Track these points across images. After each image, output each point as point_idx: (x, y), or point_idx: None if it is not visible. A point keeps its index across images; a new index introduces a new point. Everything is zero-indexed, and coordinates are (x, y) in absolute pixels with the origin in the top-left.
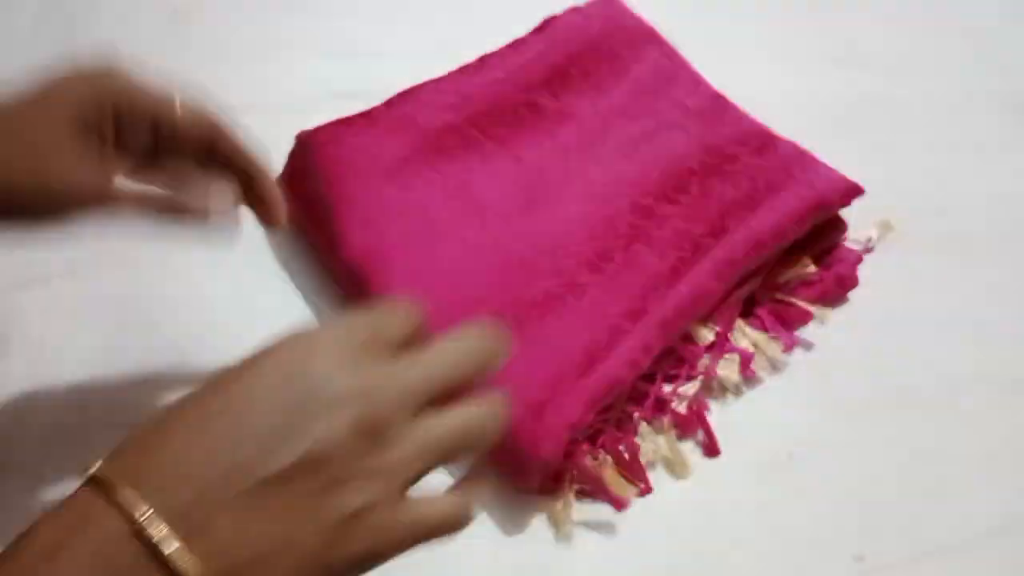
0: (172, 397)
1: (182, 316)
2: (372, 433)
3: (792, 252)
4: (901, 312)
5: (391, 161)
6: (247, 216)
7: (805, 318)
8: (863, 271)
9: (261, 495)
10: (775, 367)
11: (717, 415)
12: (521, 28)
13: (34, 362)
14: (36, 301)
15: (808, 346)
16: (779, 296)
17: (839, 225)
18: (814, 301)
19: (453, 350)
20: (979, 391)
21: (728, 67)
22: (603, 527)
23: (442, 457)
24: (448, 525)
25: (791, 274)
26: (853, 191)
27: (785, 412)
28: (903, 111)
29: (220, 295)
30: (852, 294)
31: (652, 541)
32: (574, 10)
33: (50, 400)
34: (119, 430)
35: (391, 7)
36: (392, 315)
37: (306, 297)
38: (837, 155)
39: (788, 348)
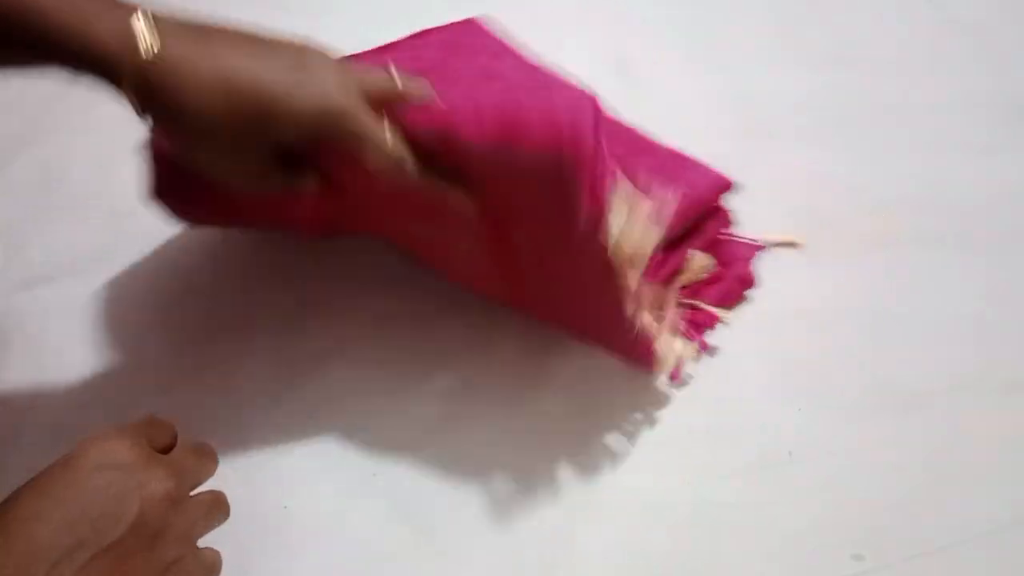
0: (172, 397)
1: (182, 316)
2: (175, 503)
3: (678, 247)
4: (900, 312)
5: None
6: None
7: (712, 321)
8: (863, 271)
9: (103, 562)
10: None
11: (717, 414)
12: (518, 28)
13: (34, 362)
14: (36, 301)
15: (808, 345)
16: (685, 300)
17: (720, 215)
18: (719, 303)
19: (197, 453)
20: (979, 391)
21: (728, 67)
22: (603, 525)
23: (213, 520)
24: (219, 566)
25: (689, 275)
26: (726, 186)
27: (785, 412)
28: (902, 111)
29: (220, 294)
30: (851, 293)
31: (651, 540)
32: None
33: (50, 400)
34: None
35: (391, 7)
36: (160, 425)
37: (305, 296)
38: (836, 154)
39: (702, 351)
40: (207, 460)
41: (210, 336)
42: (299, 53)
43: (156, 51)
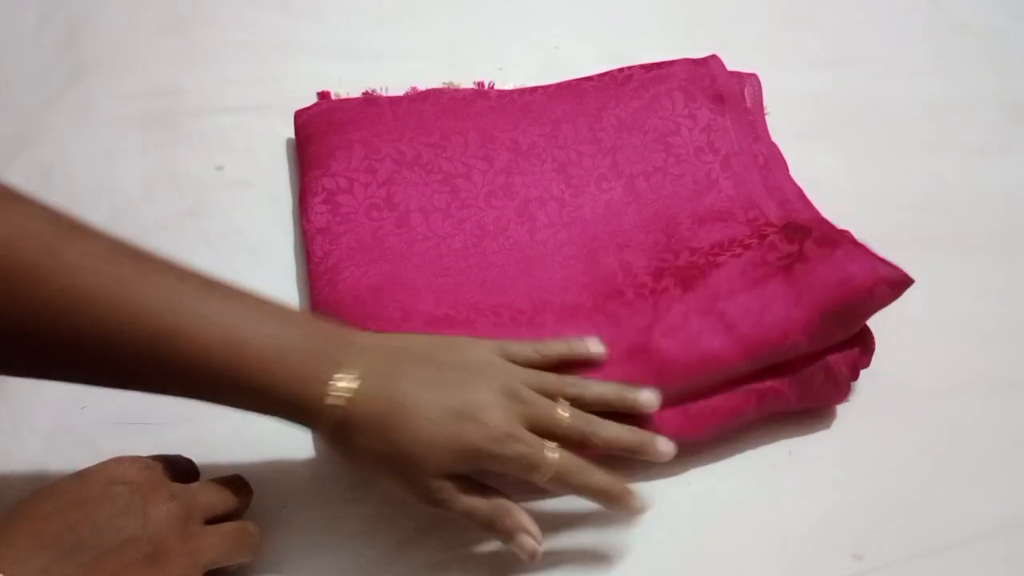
0: (170, 397)
1: None
2: (180, 525)
3: None
4: (901, 312)
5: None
6: (248, 215)
7: None
8: None
9: (98, 564)
10: None
11: None
12: (518, 28)
13: None
14: None
15: None
16: None
17: None
18: None
19: (219, 486)
20: (979, 391)
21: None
22: (603, 526)
23: (231, 552)
24: None
25: None
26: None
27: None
28: (902, 111)
29: None
30: None
31: (652, 540)
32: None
33: (50, 400)
34: (119, 430)
35: (391, 7)
36: (181, 460)
37: (305, 297)
38: (836, 154)
39: None
40: (230, 493)
41: None
42: (464, 372)
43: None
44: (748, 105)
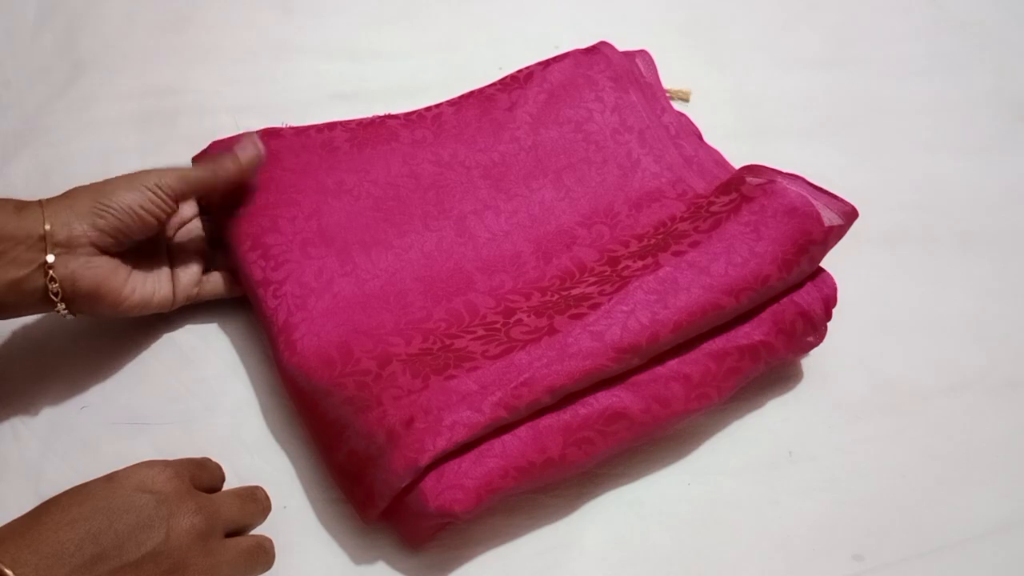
0: (171, 397)
1: (181, 315)
2: (202, 539)
3: None
4: (901, 312)
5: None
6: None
7: None
8: (863, 270)
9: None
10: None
11: (718, 414)
12: (518, 28)
13: (35, 362)
14: None
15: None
16: None
17: None
18: None
19: (243, 498)
20: (979, 391)
21: (728, 67)
22: (603, 525)
23: (242, 570)
24: None
25: None
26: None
27: (785, 412)
28: (902, 111)
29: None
30: (851, 294)
31: (652, 540)
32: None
33: (49, 400)
34: (118, 430)
35: (391, 7)
36: (210, 465)
37: None
38: (836, 154)
39: None
40: (253, 506)
41: (210, 335)
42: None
43: None
44: (648, 80)
